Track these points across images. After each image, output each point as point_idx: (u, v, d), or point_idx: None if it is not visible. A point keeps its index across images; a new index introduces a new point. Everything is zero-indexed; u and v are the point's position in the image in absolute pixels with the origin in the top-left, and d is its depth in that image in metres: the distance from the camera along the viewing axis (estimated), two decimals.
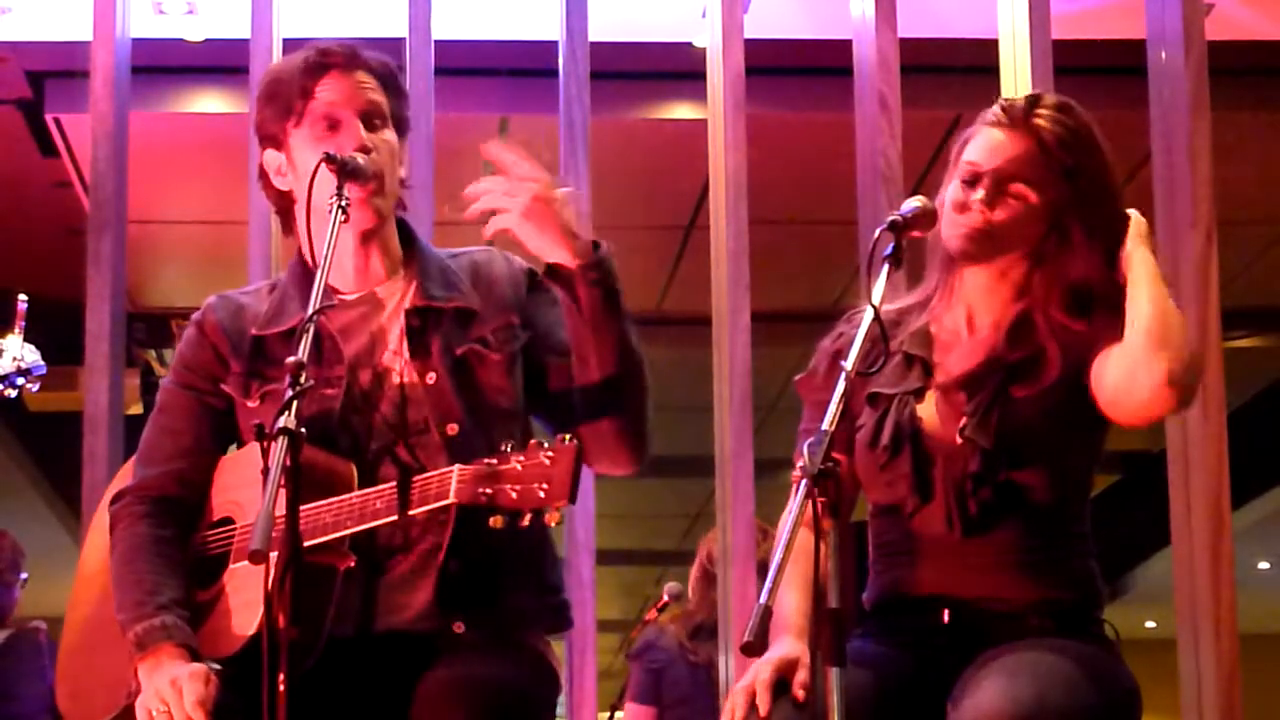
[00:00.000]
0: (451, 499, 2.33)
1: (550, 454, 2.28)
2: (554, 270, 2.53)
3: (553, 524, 2.30)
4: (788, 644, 2.47)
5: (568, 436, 2.30)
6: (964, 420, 2.55)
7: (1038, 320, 2.57)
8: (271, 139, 2.70)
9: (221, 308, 2.73)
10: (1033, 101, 2.62)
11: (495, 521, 2.29)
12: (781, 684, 2.43)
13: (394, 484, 2.41)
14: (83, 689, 2.68)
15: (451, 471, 2.35)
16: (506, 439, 2.49)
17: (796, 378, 2.76)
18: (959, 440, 2.55)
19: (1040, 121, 2.58)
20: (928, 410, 2.61)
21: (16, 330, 2.83)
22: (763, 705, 2.41)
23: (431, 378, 2.61)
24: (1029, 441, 2.53)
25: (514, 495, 2.27)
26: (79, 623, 2.75)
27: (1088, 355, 2.54)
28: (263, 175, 2.73)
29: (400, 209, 2.76)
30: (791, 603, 2.52)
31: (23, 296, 2.84)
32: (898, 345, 2.65)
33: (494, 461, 2.30)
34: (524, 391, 2.66)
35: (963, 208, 2.57)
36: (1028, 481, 2.53)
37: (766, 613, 2.14)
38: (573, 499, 2.26)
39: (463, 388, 2.62)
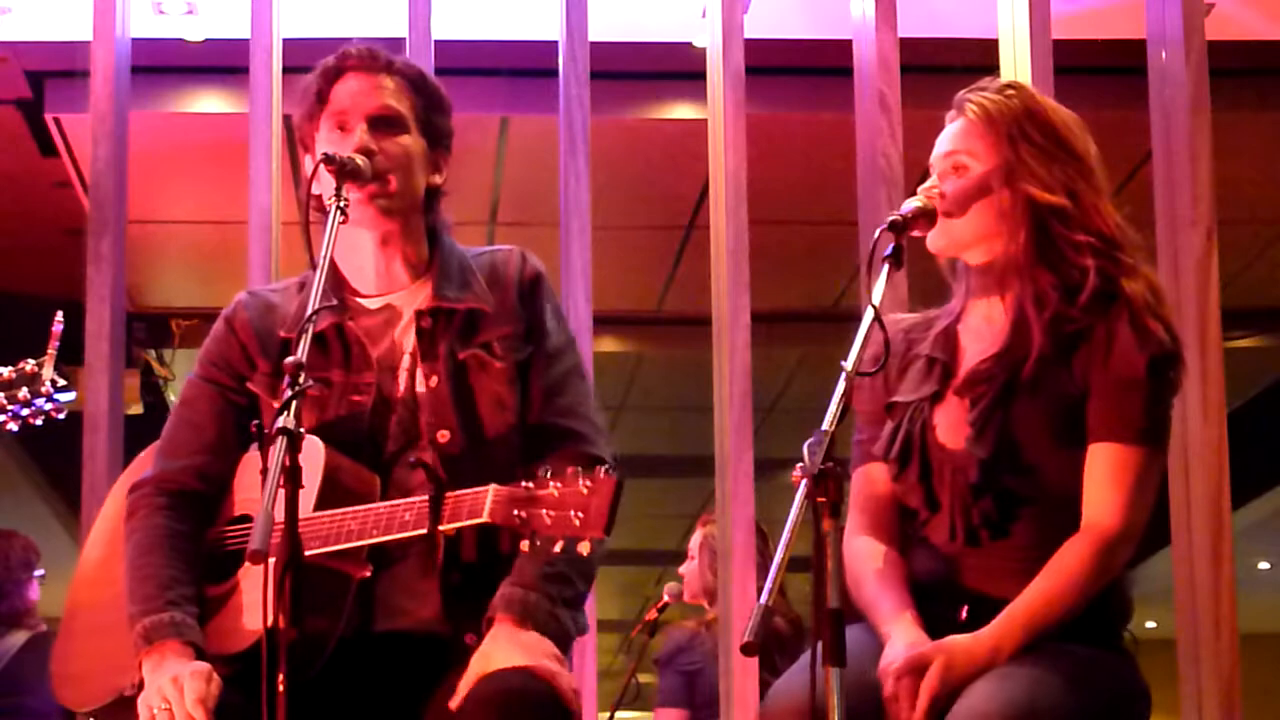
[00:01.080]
0: (485, 518, 2.31)
1: (589, 484, 2.24)
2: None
3: (584, 554, 2.27)
4: (914, 631, 2.49)
5: (607, 468, 2.27)
6: (968, 430, 2.56)
7: (1025, 296, 2.58)
8: (303, 143, 2.72)
9: (252, 306, 2.74)
10: (971, 90, 2.67)
11: (525, 545, 2.27)
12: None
13: (426, 497, 2.39)
14: (79, 672, 2.69)
15: (487, 491, 2.32)
16: (500, 451, 2.50)
17: None
18: (965, 449, 2.56)
19: (972, 99, 2.63)
20: (943, 417, 2.61)
21: (50, 350, 2.80)
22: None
23: (434, 381, 2.61)
24: (1030, 448, 2.53)
25: (548, 521, 2.24)
26: (81, 607, 2.76)
27: (1083, 356, 2.55)
28: (302, 177, 2.73)
29: (433, 217, 2.75)
30: (895, 597, 2.55)
31: (58, 317, 2.81)
32: (923, 349, 2.65)
33: (530, 485, 2.27)
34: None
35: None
36: (1031, 487, 2.53)
37: (767, 613, 2.15)
38: (608, 531, 2.23)
39: (460, 394, 2.61)
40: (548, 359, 2.67)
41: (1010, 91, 2.64)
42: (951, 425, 2.59)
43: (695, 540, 5.48)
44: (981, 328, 2.65)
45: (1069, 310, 2.55)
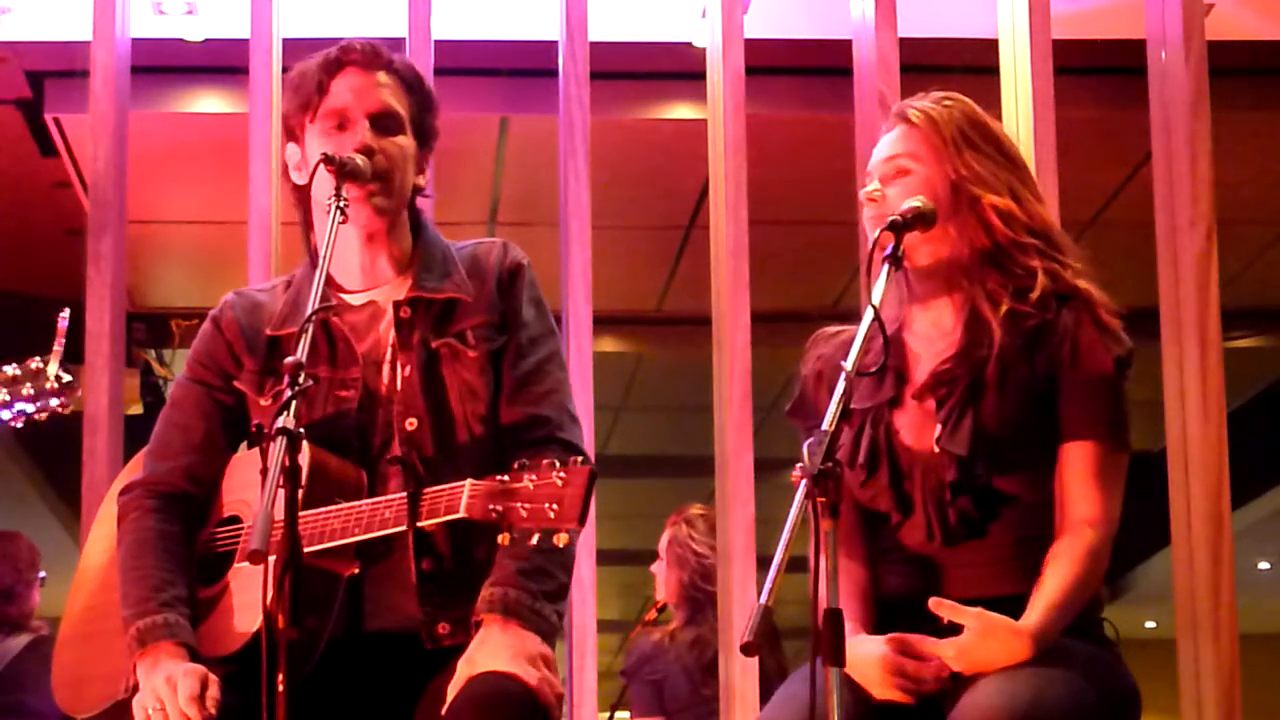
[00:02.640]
0: (462, 513, 2.32)
1: (562, 475, 2.25)
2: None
3: (561, 545, 2.29)
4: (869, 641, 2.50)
5: (581, 458, 2.29)
6: (938, 429, 2.56)
7: (976, 295, 2.59)
8: (291, 133, 2.72)
9: (239, 305, 2.75)
10: (913, 100, 2.70)
11: (503, 539, 2.28)
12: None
13: (404, 495, 2.40)
14: (79, 677, 2.69)
15: (463, 486, 2.33)
16: (469, 440, 2.52)
17: (787, 408, 2.78)
18: (935, 450, 2.56)
19: (915, 106, 2.66)
20: (905, 420, 2.62)
21: (56, 347, 2.81)
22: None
23: (407, 370, 2.62)
24: (1004, 444, 2.54)
25: (524, 514, 2.25)
26: (79, 612, 2.76)
27: (1045, 353, 2.56)
28: (284, 169, 2.74)
29: (415, 213, 2.76)
30: (857, 614, 2.57)
31: (64, 314, 2.82)
32: (874, 358, 2.65)
33: (506, 479, 2.28)
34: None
35: (866, 208, 2.65)
36: (1008, 484, 2.54)
37: (766, 613, 2.14)
38: (582, 522, 2.24)
39: (430, 382, 2.62)
40: (523, 347, 2.67)
41: (949, 102, 2.68)
42: (915, 428, 2.60)
43: (663, 541, 5.46)
44: (930, 333, 2.66)
45: (1022, 307, 2.56)
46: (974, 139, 2.63)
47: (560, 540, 2.26)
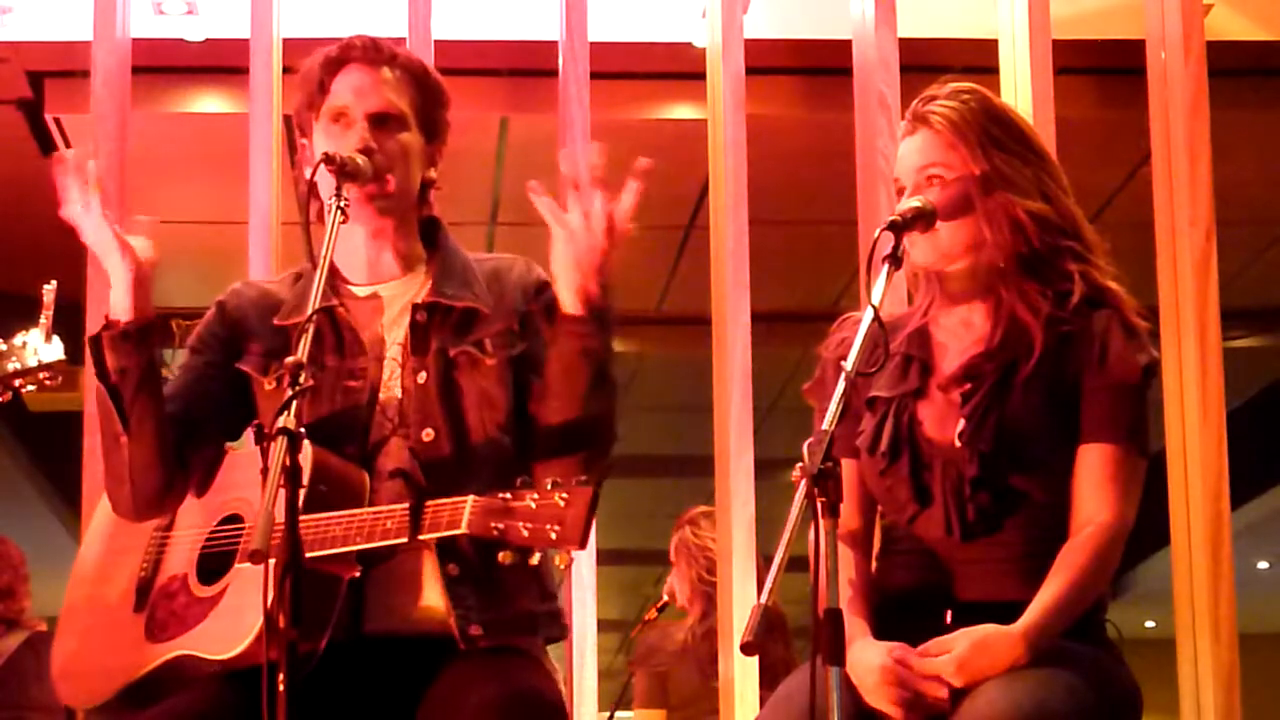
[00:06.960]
0: (463, 529, 2.30)
1: (565, 495, 2.24)
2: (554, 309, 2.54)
3: (562, 566, 2.28)
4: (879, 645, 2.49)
5: (584, 477, 2.27)
6: (962, 423, 2.56)
7: (1014, 301, 2.59)
8: (301, 130, 2.72)
9: (245, 292, 2.78)
10: (925, 100, 2.66)
11: (504, 557, 2.26)
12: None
13: (406, 506, 2.39)
14: (78, 670, 2.69)
15: (465, 501, 2.32)
16: (485, 450, 2.52)
17: (805, 386, 2.76)
18: (957, 444, 2.55)
19: (934, 110, 2.63)
20: (928, 412, 2.61)
21: (43, 319, 2.80)
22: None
23: (422, 377, 2.61)
24: (1027, 443, 2.54)
25: (525, 533, 2.24)
26: (77, 604, 2.76)
27: (1075, 357, 2.55)
28: (299, 167, 2.74)
29: (425, 210, 2.75)
30: (861, 611, 2.56)
31: (49, 286, 2.81)
32: (896, 347, 2.65)
33: (508, 496, 2.27)
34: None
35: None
36: (1027, 483, 2.54)
37: (765, 613, 2.14)
38: (583, 544, 2.22)
39: (447, 391, 2.60)
40: (546, 350, 2.66)
41: (966, 96, 2.65)
42: (938, 420, 2.59)
43: (671, 548, 5.46)
44: (959, 329, 2.65)
45: (1060, 313, 2.56)
46: (999, 136, 2.61)
47: (561, 561, 2.25)
